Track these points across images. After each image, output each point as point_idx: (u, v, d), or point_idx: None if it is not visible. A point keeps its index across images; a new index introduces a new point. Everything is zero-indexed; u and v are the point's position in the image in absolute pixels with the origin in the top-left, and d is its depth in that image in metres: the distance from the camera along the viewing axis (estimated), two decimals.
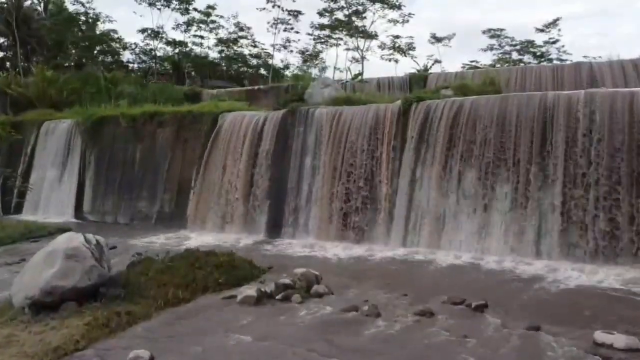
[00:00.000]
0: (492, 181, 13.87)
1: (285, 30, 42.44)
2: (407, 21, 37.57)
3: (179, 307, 9.32)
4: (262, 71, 46.66)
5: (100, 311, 8.46)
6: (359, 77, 26.51)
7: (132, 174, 20.20)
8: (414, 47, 40.18)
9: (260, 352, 7.40)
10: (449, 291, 10.12)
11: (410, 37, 40.02)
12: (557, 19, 37.82)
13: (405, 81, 28.13)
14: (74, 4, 40.87)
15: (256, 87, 32.59)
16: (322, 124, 16.99)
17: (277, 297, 9.83)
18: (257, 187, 17.32)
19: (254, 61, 47.30)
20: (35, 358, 6.92)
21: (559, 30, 38.13)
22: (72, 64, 40.82)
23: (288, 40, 43.43)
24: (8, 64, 39.66)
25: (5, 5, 37.58)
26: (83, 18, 41.56)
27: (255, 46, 45.68)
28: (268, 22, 42.42)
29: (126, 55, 45.00)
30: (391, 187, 15.27)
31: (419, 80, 27.56)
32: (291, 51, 44.91)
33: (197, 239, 16.12)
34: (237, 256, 11.83)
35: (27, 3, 39.45)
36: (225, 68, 45.55)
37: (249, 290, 9.83)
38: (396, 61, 41.28)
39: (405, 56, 40.75)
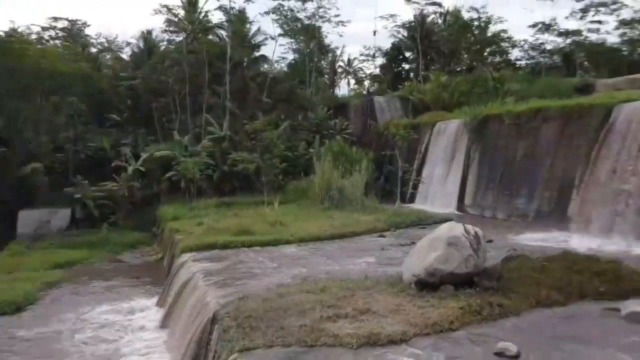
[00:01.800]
0: None
1: None
2: None
3: (551, 309, 8.93)
4: None
5: (474, 298, 8.88)
6: None
7: (513, 170, 20.28)
8: None
9: None
10: None
11: None
12: None
13: None
14: (469, 11, 43.50)
15: None
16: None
17: None
18: None
19: None
20: (417, 328, 7.92)
21: None
22: (464, 68, 43.74)
23: None
24: (412, 74, 45.90)
25: (413, 23, 43.56)
26: (476, 23, 43.64)
27: None
28: None
29: (514, 53, 45.01)
30: None
31: None
32: None
33: (578, 241, 14.83)
34: (625, 265, 10.37)
35: (429, 18, 44.61)
36: (627, 53, 39.62)
37: (637, 305, 8.52)
38: None
39: None
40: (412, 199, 25.51)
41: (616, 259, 10.77)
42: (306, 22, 39.51)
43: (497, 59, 44.88)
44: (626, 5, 38.20)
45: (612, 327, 8.11)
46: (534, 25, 41.29)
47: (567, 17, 40.52)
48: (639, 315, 8.28)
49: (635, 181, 15.17)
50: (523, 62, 44.47)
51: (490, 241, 13.94)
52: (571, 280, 9.69)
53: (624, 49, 40.17)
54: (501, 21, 43.11)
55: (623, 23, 39.19)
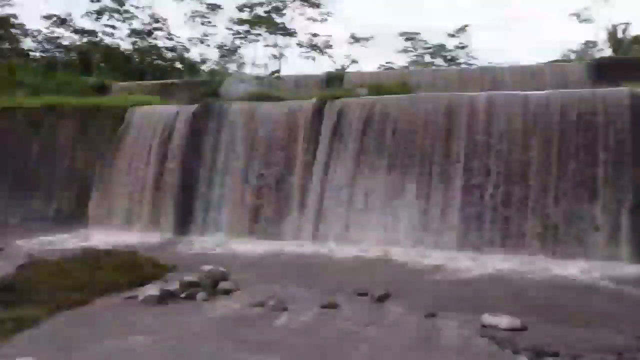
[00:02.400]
0: (402, 177, 14.37)
1: (203, 24, 41.43)
2: (326, 20, 38.04)
3: (72, 311, 8.75)
4: (178, 65, 45.19)
5: None
6: (277, 74, 26.37)
7: (27, 170, 18.73)
8: (331, 46, 40.77)
9: (166, 352, 7.12)
10: (355, 284, 10.36)
11: (329, 35, 40.57)
12: (466, 26, 39.99)
13: (323, 80, 28.38)
14: None
15: (170, 81, 31.40)
16: (236, 120, 16.76)
17: (181, 296, 9.55)
18: (166, 184, 16.75)
19: (169, 54, 45.73)
20: None
21: (468, 36, 40.41)
22: None
23: (206, 35, 42.44)
24: None
25: None
26: None
27: (171, 39, 44.17)
28: (185, 14, 41.20)
29: (27, 43, 41.70)
30: (304, 184, 15.36)
31: (335, 79, 27.85)
32: (209, 45, 43.93)
33: (100, 238, 15.19)
34: (140, 255, 11.36)
35: None
36: (138, 60, 43.56)
37: (152, 289, 9.46)
38: (314, 59, 41.66)
39: (323, 55, 41.23)
40: None
41: (133, 250, 11.66)
42: None
43: (6, 45, 40.37)
44: (137, 17, 41.95)
45: (132, 314, 8.69)
46: (48, 17, 39.37)
47: (82, 16, 40.61)
48: (153, 298, 9.22)
49: (148, 178, 16.86)
50: (37, 54, 41.77)
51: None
52: (93, 277, 9.81)
53: (135, 56, 43.98)
54: (10, 4, 38.96)
55: (134, 32, 42.86)
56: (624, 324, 7.96)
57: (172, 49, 44.94)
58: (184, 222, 16.11)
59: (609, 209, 12.39)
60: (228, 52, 43.05)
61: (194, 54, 45.53)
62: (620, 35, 28.13)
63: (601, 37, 30.47)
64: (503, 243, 12.85)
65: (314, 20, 38.10)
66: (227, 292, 9.83)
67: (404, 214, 14.08)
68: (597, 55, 30.84)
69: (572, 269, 11.44)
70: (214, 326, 8.22)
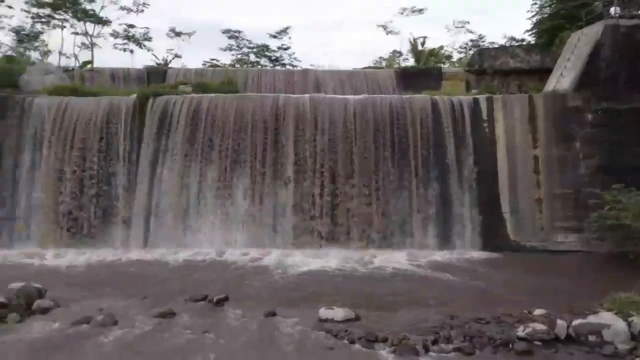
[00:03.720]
0: (232, 177, 14.30)
1: None
2: (142, 11, 35.66)
3: None
4: None
5: None
6: (89, 66, 23.97)
7: None
8: (150, 39, 38.46)
9: None
10: (192, 289, 10.04)
11: (147, 27, 38.21)
12: (287, 28, 41.30)
13: (143, 74, 26.74)
14: None
15: None
16: (43, 116, 14.83)
17: None
18: None
19: None
20: None
21: (290, 38, 41.82)
22: None
23: None
24: None
25: None
26: None
27: None
28: None
29: None
30: (128, 186, 14.31)
31: (157, 75, 26.48)
32: (2, 28, 37.96)
33: None
34: None
35: None
36: None
37: None
38: (131, 51, 38.80)
39: (141, 47, 38.68)
40: None
41: None
42: None
43: None
44: None
45: None
46: None
47: None
48: None
49: None
50: None
51: None
52: None
53: None
54: None
55: None
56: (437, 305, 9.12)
57: None
58: None
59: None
60: (27, 37, 37.77)
61: None
62: (419, 47, 31.94)
63: (406, 47, 34.27)
64: (332, 237, 13.70)
65: (129, 10, 35.51)
66: (45, 310, 8.71)
67: (236, 215, 14.04)
68: (403, 63, 34.63)
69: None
70: (29, 352, 7.20)
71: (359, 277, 11.35)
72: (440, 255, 13.20)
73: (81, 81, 19.64)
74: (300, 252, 13.08)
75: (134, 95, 15.42)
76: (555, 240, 13.84)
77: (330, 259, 12.55)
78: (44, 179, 14.29)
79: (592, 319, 7.64)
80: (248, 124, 14.69)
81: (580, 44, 15.47)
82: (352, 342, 7.41)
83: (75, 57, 33.35)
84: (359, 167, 14.22)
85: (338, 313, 8.25)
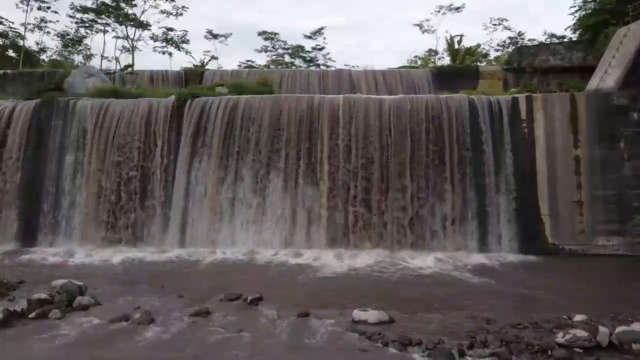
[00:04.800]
0: (267, 178, 14.43)
1: (40, 8, 37.06)
2: (181, 14, 36.49)
3: None
4: (12, 53, 39.89)
5: None
6: (130, 69, 24.65)
7: None
8: (188, 41, 39.31)
9: None
10: (227, 288, 10.15)
11: (185, 31, 39.03)
12: (322, 28, 41.49)
13: (181, 76, 27.32)
14: None
15: (1, 72, 27.70)
16: (86, 118, 15.35)
17: (30, 316, 8.48)
18: (3, 189, 14.74)
19: (0, 41, 40.16)
20: None
21: (324, 38, 41.98)
22: None
23: (44, 20, 38.04)
24: None
25: None
26: None
27: (0, 23, 38.78)
28: None
29: None
30: (166, 186, 14.64)
31: (195, 76, 27.01)
32: (48, 33, 39.48)
33: None
34: None
35: None
36: None
37: None
38: (170, 54, 39.79)
39: (179, 50, 39.57)
40: None
41: None
42: None
43: None
44: None
45: None
46: None
47: None
48: None
49: None
50: None
51: None
52: None
53: None
54: None
55: None
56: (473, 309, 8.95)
57: (4, 35, 39.64)
58: (28, 232, 14.42)
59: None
60: (72, 41, 39.17)
61: (30, 42, 40.69)
62: (456, 46, 31.45)
63: (442, 46, 33.83)
64: (367, 239, 13.65)
65: (169, 13, 36.38)
66: (85, 307, 8.97)
67: (270, 216, 14.17)
68: (439, 62, 34.17)
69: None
70: (70, 347, 7.43)
71: (393, 280, 11.26)
72: (477, 259, 12.95)
73: (122, 83, 20.21)
74: (334, 254, 13.09)
75: (172, 97, 15.77)
76: (596, 243, 13.39)
77: (363, 261, 12.50)
78: (86, 178, 14.78)
79: (636, 326, 7.34)
80: (283, 124, 14.80)
81: (626, 40, 14.90)
82: (386, 344, 7.34)
83: (116, 60, 34.40)
84: (394, 168, 14.10)
85: (371, 315, 8.20)
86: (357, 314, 8.29)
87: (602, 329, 7.33)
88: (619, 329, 7.31)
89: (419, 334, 7.57)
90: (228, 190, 14.45)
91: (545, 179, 13.95)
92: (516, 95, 15.10)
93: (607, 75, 14.86)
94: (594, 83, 15.35)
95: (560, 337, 7.30)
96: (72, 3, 36.08)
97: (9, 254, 13.59)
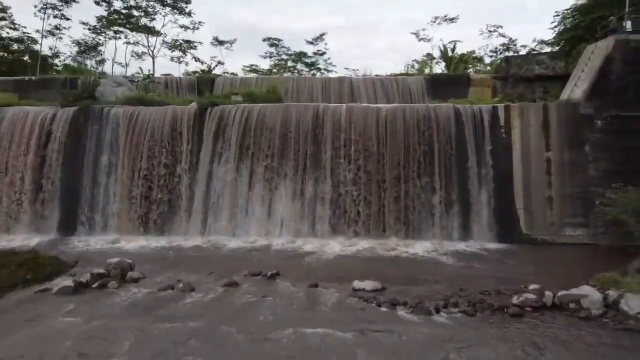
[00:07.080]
0: (278, 177, 16.50)
1: (55, 16, 39.22)
2: (198, 28, 39.06)
3: None
4: (26, 59, 41.91)
5: None
6: (151, 77, 26.80)
7: None
8: (196, 47, 41.55)
9: (93, 330, 8.30)
10: (248, 267, 12.22)
11: (200, 42, 41.53)
12: (323, 34, 43.70)
13: (194, 82, 29.41)
14: None
15: (26, 78, 29.81)
16: (118, 123, 17.42)
17: (93, 286, 10.57)
18: (47, 185, 16.84)
19: (15, 46, 42.18)
20: None
21: (326, 44, 44.21)
22: None
23: (58, 27, 40.17)
24: None
25: None
26: None
27: (16, 29, 40.86)
28: (35, 6, 38.62)
29: None
30: (190, 183, 16.71)
31: (206, 82, 29.09)
32: (61, 38, 41.67)
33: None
34: (41, 253, 11.92)
35: None
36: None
37: (65, 281, 10.33)
38: (179, 59, 42.04)
39: (185, 55, 41.86)
40: None
41: (33, 248, 12.13)
42: None
43: None
44: None
45: (49, 304, 9.56)
46: None
47: None
48: (68, 289, 10.14)
49: (27, 180, 16.77)
50: None
51: None
52: None
53: None
54: None
55: None
56: (451, 282, 11.06)
57: (19, 40, 41.74)
58: (68, 224, 16.42)
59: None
60: (88, 48, 41.31)
61: (44, 47, 42.76)
62: (450, 53, 33.54)
63: (437, 53, 35.88)
64: (365, 229, 15.77)
65: (186, 27, 38.93)
66: (136, 280, 11.06)
67: (281, 209, 16.24)
68: (435, 67, 36.28)
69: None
70: (131, 307, 9.51)
71: (387, 261, 13.35)
72: (460, 246, 15.02)
73: (144, 91, 22.26)
74: (336, 241, 15.17)
75: (194, 104, 17.84)
76: (564, 233, 15.48)
77: (362, 247, 14.61)
78: (120, 177, 16.86)
79: (574, 291, 9.43)
80: (292, 130, 16.87)
81: (593, 56, 16.99)
82: (379, 305, 9.43)
83: (127, 65, 36.55)
84: (389, 168, 16.18)
85: (368, 284, 10.30)
86: (357, 283, 10.40)
87: (547, 292, 9.43)
88: (560, 293, 9.41)
89: (405, 297, 9.68)
90: (244, 186, 16.51)
91: (520, 178, 16.03)
92: (496, 104, 17.19)
93: (576, 87, 16.96)
94: (565, 93, 17.45)
95: (515, 300, 9.40)
96: (93, 14, 38.29)
97: (53, 242, 15.60)
